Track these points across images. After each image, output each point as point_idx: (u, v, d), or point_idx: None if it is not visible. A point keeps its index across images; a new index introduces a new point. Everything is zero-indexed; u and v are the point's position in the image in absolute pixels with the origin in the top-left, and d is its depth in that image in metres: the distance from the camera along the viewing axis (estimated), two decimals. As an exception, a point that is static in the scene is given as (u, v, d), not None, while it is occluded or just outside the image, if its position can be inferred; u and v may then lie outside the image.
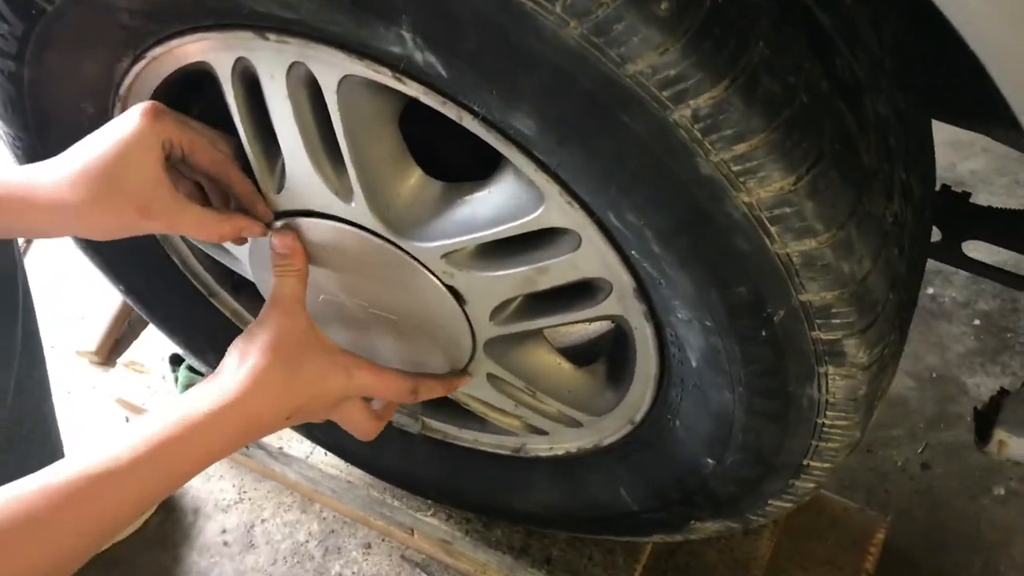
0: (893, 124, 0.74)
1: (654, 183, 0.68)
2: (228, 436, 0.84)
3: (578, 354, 1.05)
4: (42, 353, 1.28)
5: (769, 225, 0.67)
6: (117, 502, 0.76)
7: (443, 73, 0.69)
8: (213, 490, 1.64)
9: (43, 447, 1.33)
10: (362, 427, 0.96)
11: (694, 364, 0.84)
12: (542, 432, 1.11)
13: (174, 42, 0.83)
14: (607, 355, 1.03)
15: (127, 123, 0.81)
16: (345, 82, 0.77)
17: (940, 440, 1.59)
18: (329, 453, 1.44)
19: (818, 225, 0.67)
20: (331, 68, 0.76)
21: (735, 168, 0.65)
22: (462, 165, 0.91)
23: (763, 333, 0.75)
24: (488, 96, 0.69)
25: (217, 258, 1.10)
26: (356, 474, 1.42)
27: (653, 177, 0.67)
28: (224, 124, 0.88)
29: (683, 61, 0.61)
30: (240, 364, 0.86)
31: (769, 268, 0.70)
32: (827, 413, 0.82)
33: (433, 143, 0.88)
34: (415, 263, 0.89)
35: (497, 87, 0.67)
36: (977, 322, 1.73)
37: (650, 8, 0.59)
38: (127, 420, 1.74)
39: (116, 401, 1.71)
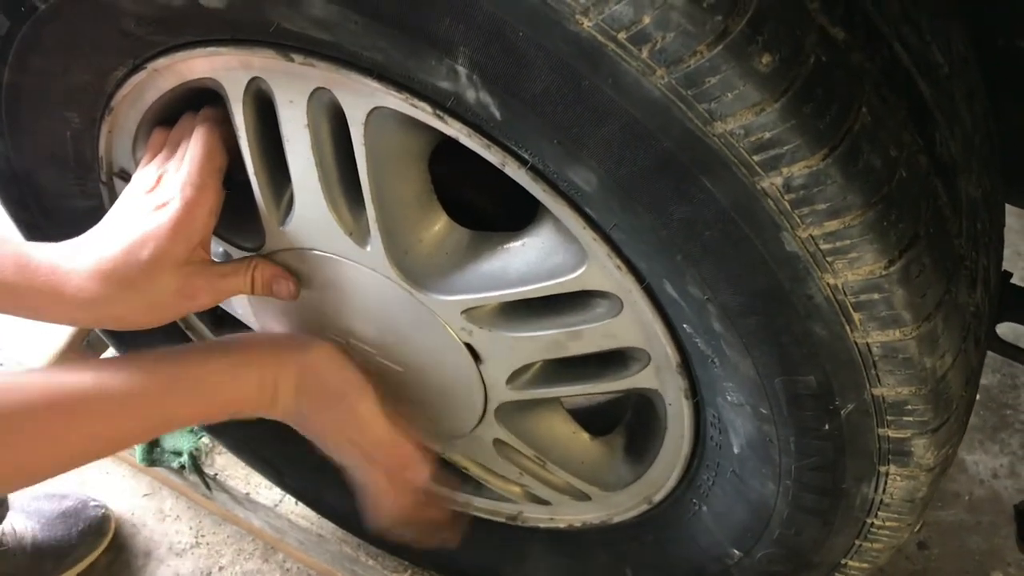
0: (980, 207, 0.68)
1: (729, 256, 0.60)
2: None
3: (588, 420, 0.97)
4: None
5: (853, 311, 0.60)
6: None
7: (496, 115, 0.61)
8: (168, 532, 1.52)
9: None
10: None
11: (736, 450, 0.76)
12: (544, 502, 1.02)
13: (180, 55, 0.74)
14: (626, 426, 0.94)
15: (161, 223, 0.75)
16: (375, 114, 0.69)
17: (938, 519, 1.53)
18: (300, 503, 1.33)
19: (906, 315, 0.60)
20: (360, 98, 0.68)
21: (824, 246, 0.57)
22: (486, 212, 0.83)
23: (826, 426, 0.68)
24: (546, 145, 0.61)
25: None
26: (328, 527, 1.32)
27: (729, 250, 0.60)
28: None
29: (781, 124, 0.53)
30: None
31: (845, 358, 0.63)
32: (879, 513, 0.74)
33: (455, 186, 0.80)
34: (431, 315, 0.80)
35: (559, 136, 0.60)
36: (977, 397, 1.68)
37: (751, 61, 0.52)
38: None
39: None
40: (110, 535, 1.49)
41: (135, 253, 0.74)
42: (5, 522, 1.35)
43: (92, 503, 1.49)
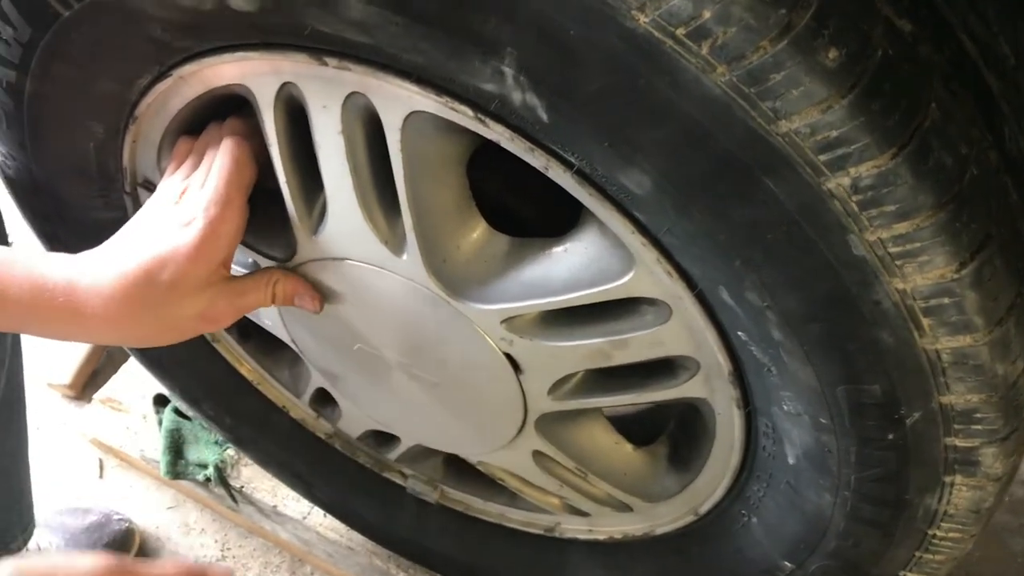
0: (1049, 204, 0.65)
1: (792, 261, 0.57)
2: None
3: (629, 430, 0.94)
4: (23, 412, 1.14)
5: (922, 317, 0.57)
6: None
7: (543, 117, 0.59)
8: (193, 545, 1.50)
9: (11, 511, 1.19)
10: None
11: (791, 461, 0.73)
12: (583, 513, 0.99)
13: (208, 60, 0.72)
14: (670, 435, 0.91)
15: (184, 243, 0.72)
16: (412, 119, 0.66)
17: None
18: (328, 515, 1.31)
19: (978, 319, 0.57)
20: (397, 103, 0.66)
21: (893, 249, 0.54)
22: (526, 218, 0.80)
23: (889, 436, 0.65)
24: (595, 148, 0.58)
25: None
26: (357, 539, 1.30)
27: (792, 254, 0.57)
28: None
29: (848, 121, 0.51)
30: None
31: (912, 365, 0.60)
32: (942, 524, 0.71)
33: (493, 192, 0.77)
34: (470, 325, 0.78)
35: (611, 139, 0.57)
36: None
37: (816, 56, 0.49)
38: (101, 463, 1.60)
39: (90, 441, 1.57)
40: (135, 549, 1.47)
41: (156, 274, 0.72)
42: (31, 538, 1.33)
43: (116, 517, 1.47)
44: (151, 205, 0.77)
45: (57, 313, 0.72)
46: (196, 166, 0.78)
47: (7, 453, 1.11)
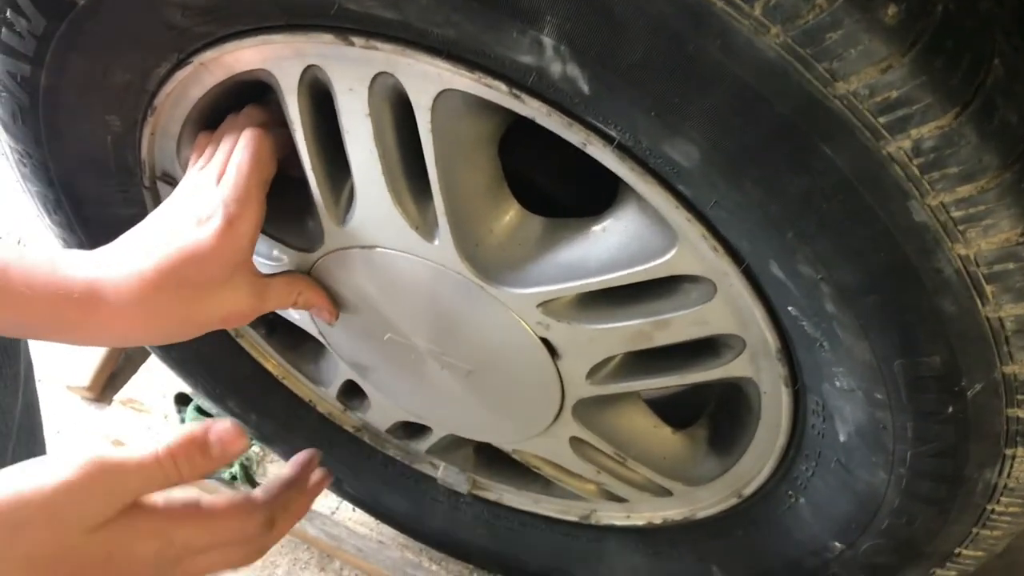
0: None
1: (849, 230, 0.55)
2: None
3: (667, 412, 0.92)
4: (41, 428, 1.13)
5: (985, 284, 0.55)
6: None
7: (584, 89, 0.56)
8: (220, 544, 1.48)
9: None
10: None
11: (843, 438, 0.71)
12: (620, 499, 0.97)
13: (229, 45, 0.69)
14: (710, 416, 0.89)
15: (201, 241, 0.70)
16: (442, 98, 0.64)
17: None
18: (358, 509, 1.29)
19: (1045, 284, 0.55)
20: (427, 81, 0.63)
21: (956, 214, 0.52)
22: (559, 198, 0.78)
23: (949, 409, 0.63)
24: (641, 118, 0.56)
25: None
26: (388, 533, 1.28)
27: (849, 223, 0.54)
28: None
29: (909, 81, 0.48)
30: None
31: (975, 334, 0.57)
32: (1001, 499, 0.69)
33: (524, 172, 0.75)
34: (505, 310, 0.76)
35: (658, 108, 0.54)
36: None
37: (875, 13, 0.47)
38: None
39: (112, 443, 1.56)
40: (161, 550, 1.45)
41: (176, 273, 0.70)
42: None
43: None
44: (171, 200, 0.76)
45: (78, 314, 0.70)
46: (216, 161, 0.75)
47: None
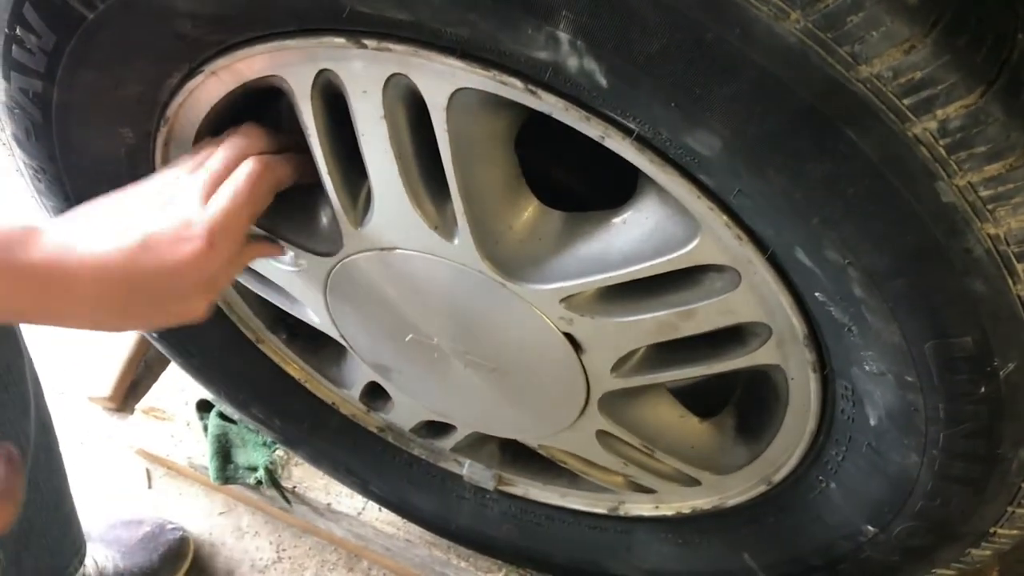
0: None
1: (875, 214, 0.54)
2: None
3: (692, 401, 0.92)
4: (57, 444, 1.13)
5: (1016, 262, 0.54)
6: None
7: (602, 83, 0.56)
8: (248, 548, 1.49)
9: (62, 540, 1.18)
10: None
11: (873, 422, 0.71)
12: (648, 490, 0.97)
13: (240, 53, 0.69)
14: (736, 404, 0.89)
15: (176, 258, 0.68)
16: (457, 97, 0.64)
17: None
18: (384, 509, 1.29)
19: (1076, 260, 0.54)
20: (441, 80, 0.63)
21: (984, 193, 0.52)
22: (578, 191, 0.78)
23: (981, 389, 0.62)
24: (660, 110, 0.55)
25: (275, 302, 0.96)
26: (415, 532, 1.28)
27: (876, 207, 0.54)
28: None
29: (934, 61, 0.48)
30: None
31: (1006, 314, 0.57)
32: (1036, 477, 0.68)
33: (540, 167, 0.75)
34: (527, 307, 0.75)
35: (678, 99, 0.54)
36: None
37: (896, -7, 0.46)
38: (148, 473, 1.59)
39: (136, 452, 1.57)
40: (190, 556, 1.46)
41: (140, 277, 0.67)
42: (87, 556, 1.32)
43: (169, 526, 1.46)
44: (149, 189, 0.72)
45: (29, 301, 0.65)
46: (214, 169, 0.72)
47: (53, 490, 1.10)
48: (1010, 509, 0.72)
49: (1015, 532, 0.76)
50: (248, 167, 0.71)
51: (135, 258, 0.67)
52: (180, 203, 0.69)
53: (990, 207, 0.52)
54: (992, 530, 0.75)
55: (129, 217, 0.69)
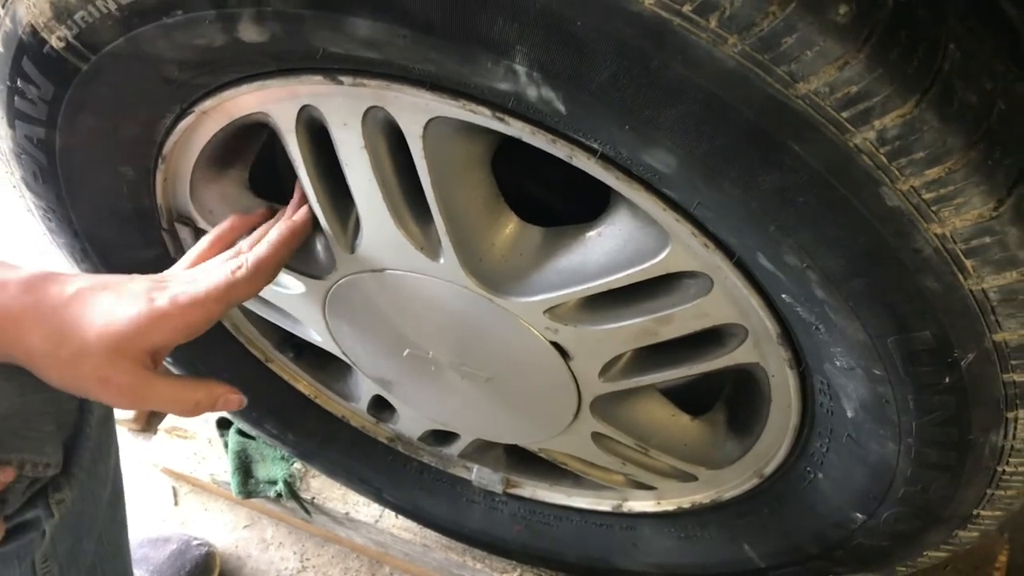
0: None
1: (827, 220, 0.57)
2: None
3: (684, 400, 0.94)
4: (124, 500, 1.16)
5: (964, 259, 0.57)
6: None
7: (561, 109, 0.59)
8: (273, 559, 1.53)
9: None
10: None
11: (850, 414, 0.73)
12: (648, 487, 1.00)
13: (227, 93, 0.73)
14: (726, 401, 0.92)
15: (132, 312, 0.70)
16: (432, 125, 0.67)
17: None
18: (400, 516, 1.33)
19: (1022, 254, 0.56)
20: (416, 111, 0.66)
21: (927, 196, 0.54)
22: (555, 207, 0.81)
23: (946, 380, 0.64)
24: (617, 132, 0.59)
25: (277, 323, 1.00)
26: (431, 536, 1.32)
27: (826, 213, 0.57)
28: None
29: (867, 75, 0.50)
30: None
31: (960, 308, 0.59)
32: (1010, 460, 0.71)
33: (518, 185, 0.78)
34: (514, 319, 0.79)
35: (631, 122, 0.57)
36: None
37: (827, 14, 0.49)
38: (174, 490, 1.64)
39: (161, 471, 1.61)
40: (217, 571, 1.50)
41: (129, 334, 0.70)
42: None
43: (195, 542, 1.50)
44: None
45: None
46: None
47: (112, 541, 1.13)
48: (989, 492, 0.74)
49: (999, 513, 0.78)
50: (231, 266, 0.76)
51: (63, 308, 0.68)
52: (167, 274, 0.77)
53: (934, 208, 0.54)
54: (975, 512, 0.78)
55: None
